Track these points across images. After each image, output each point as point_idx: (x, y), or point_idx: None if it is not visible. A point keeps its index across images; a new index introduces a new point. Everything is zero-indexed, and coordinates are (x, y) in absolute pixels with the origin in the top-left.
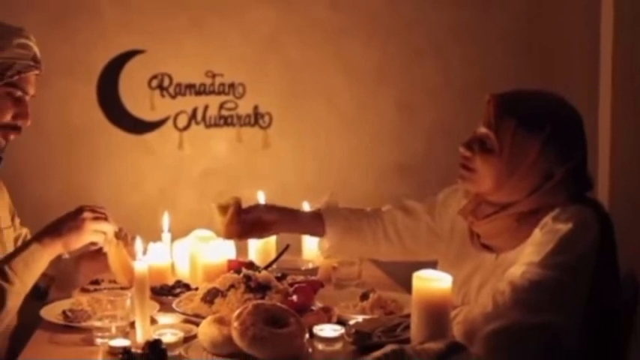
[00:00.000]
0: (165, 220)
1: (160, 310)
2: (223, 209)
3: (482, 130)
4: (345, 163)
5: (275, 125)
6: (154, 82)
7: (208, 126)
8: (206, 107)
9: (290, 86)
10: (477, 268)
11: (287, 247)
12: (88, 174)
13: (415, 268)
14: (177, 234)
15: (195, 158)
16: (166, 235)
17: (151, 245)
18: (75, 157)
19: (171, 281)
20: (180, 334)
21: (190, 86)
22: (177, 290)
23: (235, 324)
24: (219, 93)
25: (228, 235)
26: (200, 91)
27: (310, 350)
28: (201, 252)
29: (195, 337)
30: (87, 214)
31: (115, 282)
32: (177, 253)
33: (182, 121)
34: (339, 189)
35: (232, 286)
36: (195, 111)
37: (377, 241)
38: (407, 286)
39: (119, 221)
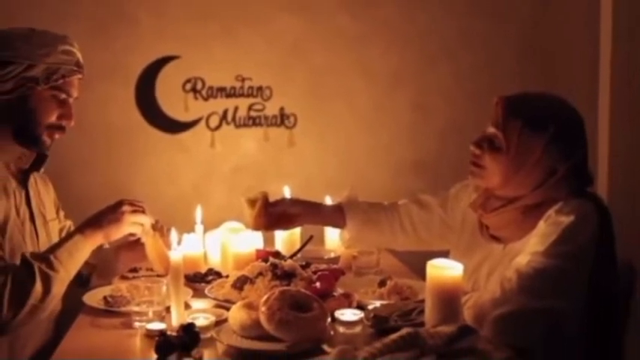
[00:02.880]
0: (199, 213)
1: (193, 296)
2: (252, 203)
3: (491, 129)
4: (364, 160)
5: (299, 125)
6: (188, 86)
7: (238, 126)
8: (236, 109)
9: (313, 89)
10: (486, 258)
11: (310, 237)
12: (126, 170)
13: (429, 257)
14: (209, 226)
15: (226, 156)
16: (199, 227)
17: (185, 236)
18: (115, 154)
19: (203, 269)
20: (212, 318)
21: (221, 89)
22: (210, 277)
23: (263, 309)
24: (248, 95)
25: (256, 227)
26: (230, 93)
27: (332, 333)
28: (232, 242)
29: (225, 320)
30: (126, 208)
31: (151, 270)
32: (210, 244)
33: (214, 121)
34: (358, 184)
35: (260, 273)
36: (225, 112)
37: (394, 232)
38: (421, 274)
39: (156, 214)
